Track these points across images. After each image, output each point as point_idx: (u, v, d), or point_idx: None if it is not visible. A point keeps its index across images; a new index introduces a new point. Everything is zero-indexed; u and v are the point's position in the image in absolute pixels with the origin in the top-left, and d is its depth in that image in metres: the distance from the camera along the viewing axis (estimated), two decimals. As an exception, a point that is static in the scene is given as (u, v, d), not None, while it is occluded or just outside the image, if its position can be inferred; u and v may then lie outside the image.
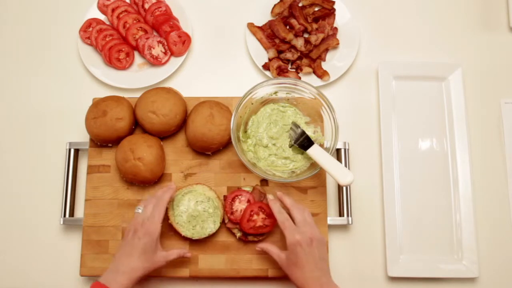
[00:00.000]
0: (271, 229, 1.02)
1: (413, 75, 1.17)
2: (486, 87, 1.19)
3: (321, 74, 1.16)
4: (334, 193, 1.12)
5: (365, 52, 1.22)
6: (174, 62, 1.18)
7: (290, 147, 1.07)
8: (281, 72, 1.17)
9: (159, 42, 1.18)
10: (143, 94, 1.09)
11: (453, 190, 1.11)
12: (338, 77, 1.17)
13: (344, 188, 1.08)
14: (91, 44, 1.19)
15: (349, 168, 1.10)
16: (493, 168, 1.15)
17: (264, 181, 1.09)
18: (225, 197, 1.04)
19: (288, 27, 1.20)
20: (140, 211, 0.97)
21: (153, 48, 1.18)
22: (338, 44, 1.19)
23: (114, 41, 1.17)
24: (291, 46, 1.18)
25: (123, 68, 1.18)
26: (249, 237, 1.03)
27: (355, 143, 1.14)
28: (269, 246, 0.98)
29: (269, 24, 1.20)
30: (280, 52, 1.19)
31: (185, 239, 1.02)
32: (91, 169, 1.09)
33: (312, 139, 1.03)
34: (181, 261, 1.04)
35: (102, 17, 1.22)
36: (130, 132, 1.09)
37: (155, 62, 1.17)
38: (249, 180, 1.09)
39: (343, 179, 0.96)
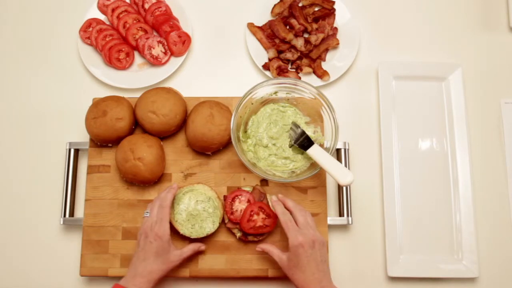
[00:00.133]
0: (271, 229, 1.02)
1: (413, 75, 1.17)
2: (486, 87, 1.19)
3: (321, 74, 1.16)
4: (334, 193, 1.12)
5: (365, 52, 1.22)
6: (174, 62, 1.18)
7: (290, 147, 1.07)
8: (281, 72, 1.17)
9: (159, 42, 1.18)
10: (143, 94, 1.09)
11: (453, 190, 1.11)
12: (338, 77, 1.17)
13: (344, 188, 1.08)
14: (91, 44, 1.19)
15: (349, 168, 1.10)
16: (493, 168, 1.15)
17: (264, 181, 1.09)
18: (225, 197, 1.04)
19: (288, 27, 1.20)
20: (148, 215, 0.99)
21: (153, 48, 1.18)
22: (338, 44, 1.19)
23: (114, 41, 1.17)
24: (291, 46, 1.18)
25: (123, 68, 1.18)
26: (249, 237, 1.03)
27: (355, 143, 1.14)
28: (270, 247, 0.98)
29: (269, 24, 1.20)
30: (280, 52, 1.19)
31: (184, 237, 1.02)
32: (91, 169, 1.09)
33: (312, 139, 1.03)
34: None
35: (102, 17, 1.22)
36: (130, 132, 1.09)
37: (155, 62, 1.18)
38: (249, 180, 1.09)
39: (343, 179, 0.96)
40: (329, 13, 1.21)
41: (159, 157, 1.06)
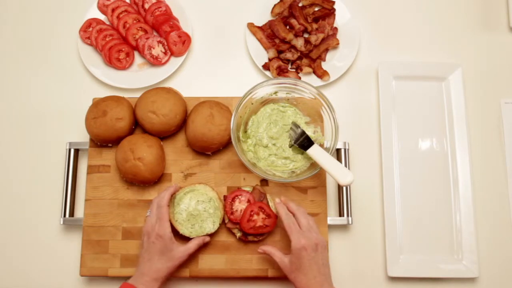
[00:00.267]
0: (271, 229, 1.02)
1: (413, 75, 1.17)
2: (486, 87, 1.19)
3: (321, 74, 1.16)
4: (334, 193, 1.12)
5: (365, 52, 1.22)
6: (174, 62, 1.18)
7: (290, 147, 1.07)
8: (281, 72, 1.17)
9: (159, 42, 1.18)
10: (143, 94, 1.09)
11: (453, 190, 1.11)
12: (338, 77, 1.17)
13: (344, 188, 1.08)
14: (91, 44, 1.19)
15: (349, 168, 1.10)
16: (493, 168, 1.15)
17: (264, 181, 1.09)
18: (225, 197, 1.04)
19: (288, 27, 1.20)
20: (149, 214, 1.00)
21: (153, 48, 1.18)
22: (338, 44, 1.19)
23: (114, 41, 1.17)
24: (291, 46, 1.18)
25: (123, 68, 1.18)
26: (249, 237, 1.03)
27: (355, 143, 1.14)
28: (272, 249, 0.97)
29: (269, 24, 1.20)
30: (280, 52, 1.19)
31: (183, 237, 1.02)
32: (91, 169, 1.09)
33: (312, 139, 1.03)
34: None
35: (102, 17, 1.22)
36: (130, 132, 1.09)
37: (155, 62, 1.17)
38: (249, 180, 1.09)
39: (343, 179, 0.96)
40: (329, 13, 1.21)
41: (159, 157, 1.06)
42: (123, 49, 1.17)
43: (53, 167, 1.14)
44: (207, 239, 1.03)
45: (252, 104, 1.07)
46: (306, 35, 1.20)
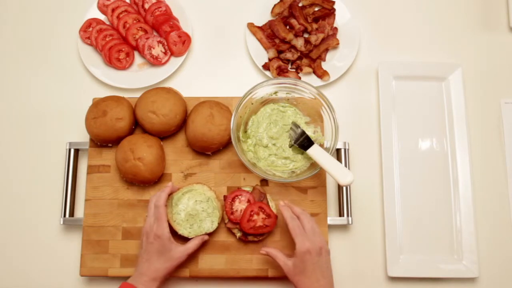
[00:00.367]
0: (271, 229, 1.02)
1: (413, 75, 1.17)
2: (486, 87, 1.19)
3: (321, 74, 1.16)
4: (334, 193, 1.12)
5: (365, 52, 1.22)
6: (174, 62, 1.18)
7: (290, 147, 1.07)
8: (281, 72, 1.17)
9: (159, 42, 1.18)
10: (143, 94, 1.09)
11: (453, 190, 1.11)
12: (338, 77, 1.17)
13: (344, 188, 1.08)
14: (91, 44, 1.19)
15: (349, 168, 1.10)
16: (493, 168, 1.15)
17: (264, 181, 1.09)
18: (225, 197, 1.04)
19: (288, 27, 1.20)
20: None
21: (153, 48, 1.18)
22: (338, 44, 1.19)
23: (114, 41, 1.17)
24: (291, 46, 1.18)
25: (123, 68, 1.18)
26: (249, 237, 1.03)
27: (355, 143, 1.14)
28: (275, 252, 0.97)
29: (269, 24, 1.20)
30: (280, 52, 1.19)
31: (182, 237, 1.02)
32: (91, 169, 1.09)
33: (312, 139, 1.03)
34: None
35: (102, 17, 1.22)
36: (130, 132, 1.09)
37: (155, 62, 1.18)
38: (249, 180, 1.09)
39: (343, 179, 0.96)
40: (329, 13, 1.21)
41: (159, 157, 1.06)
42: (123, 49, 1.17)
43: (53, 167, 1.14)
44: (206, 237, 1.02)
45: (252, 104, 1.07)
46: (306, 35, 1.20)
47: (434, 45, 1.22)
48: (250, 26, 1.20)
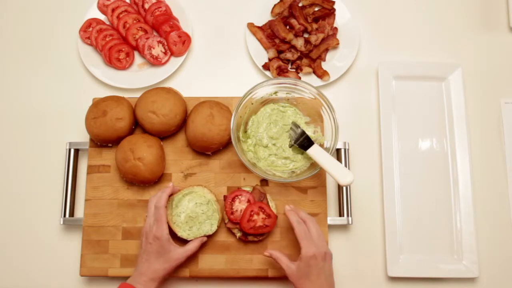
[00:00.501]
0: (271, 229, 1.02)
1: (413, 75, 1.17)
2: (486, 87, 1.19)
3: (321, 74, 1.16)
4: (334, 193, 1.12)
5: (365, 52, 1.22)
6: (174, 62, 1.18)
7: (290, 147, 1.07)
8: (281, 72, 1.17)
9: (159, 42, 1.18)
10: (143, 94, 1.09)
11: (453, 190, 1.11)
12: (338, 77, 1.17)
13: (344, 188, 1.08)
14: (91, 44, 1.19)
15: (349, 168, 1.10)
16: (493, 168, 1.15)
17: (264, 181, 1.09)
18: (225, 197, 1.04)
19: (288, 27, 1.20)
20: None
21: (153, 48, 1.18)
22: (338, 44, 1.19)
23: (114, 41, 1.17)
24: (291, 46, 1.18)
25: (123, 68, 1.18)
26: (249, 237, 1.03)
27: (355, 143, 1.14)
28: (279, 255, 0.96)
29: (269, 24, 1.20)
30: (280, 52, 1.19)
31: (181, 239, 1.02)
32: (91, 169, 1.09)
33: (312, 139, 1.03)
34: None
35: (102, 17, 1.22)
36: (130, 132, 1.09)
37: (155, 62, 1.18)
38: (249, 180, 1.09)
39: (343, 179, 0.96)
40: (329, 13, 1.21)
41: (159, 157, 1.06)
42: (123, 49, 1.17)
43: (53, 167, 1.14)
44: (205, 239, 1.02)
45: (252, 104, 1.07)
46: (306, 35, 1.20)
47: (434, 45, 1.22)
48: (250, 26, 1.20)
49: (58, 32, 1.23)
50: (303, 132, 1.03)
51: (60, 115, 1.18)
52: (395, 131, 1.14)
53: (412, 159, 1.13)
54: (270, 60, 1.18)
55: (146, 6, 1.21)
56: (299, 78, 1.17)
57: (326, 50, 1.19)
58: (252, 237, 1.03)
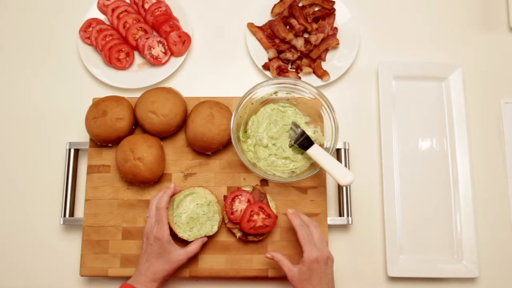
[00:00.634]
0: (271, 229, 1.02)
1: (413, 75, 1.17)
2: (486, 87, 1.19)
3: (321, 74, 1.16)
4: (334, 193, 1.12)
5: (365, 52, 1.22)
6: (174, 62, 1.18)
7: (290, 147, 1.07)
8: (281, 72, 1.17)
9: (159, 42, 1.18)
10: (143, 94, 1.09)
11: (453, 190, 1.11)
12: (338, 77, 1.17)
13: (344, 188, 1.08)
14: (91, 44, 1.19)
15: (349, 168, 1.10)
16: (493, 168, 1.15)
17: (264, 181, 1.09)
18: (225, 197, 1.04)
19: (288, 27, 1.20)
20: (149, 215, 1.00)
21: (153, 48, 1.18)
22: (338, 44, 1.19)
23: (114, 41, 1.17)
24: (291, 46, 1.18)
25: (123, 68, 1.18)
26: (249, 237, 1.03)
27: (355, 143, 1.14)
28: (281, 257, 0.96)
29: (269, 24, 1.20)
30: (280, 52, 1.19)
31: (181, 240, 1.02)
32: (91, 169, 1.09)
33: (312, 139, 1.03)
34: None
35: (102, 17, 1.22)
36: (130, 132, 1.09)
37: (155, 62, 1.18)
38: (249, 180, 1.09)
39: (343, 179, 0.96)
40: (329, 13, 1.21)
41: (159, 157, 1.06)
42: (123, 49, 1.17)
43: (53, 167, 1.14)
44: (205, 239, 1.02)
45: (252, 104, 1.07)
46: (306, 35, 1.20)
47: (434, 45, 1.22)
48: (250, 26, 1.20)
49: (58, 32, 1.23)
50: (303, 132, 1.03)
51: (60, 115, 1.18)
52: (395, 131, 1.14)
53: (412, 159, 1.13)
54: (270, 60, 1.18)
55: (146, 6, 1.21)
56: (299, 78, 1.17)
57: (326, 50, 1.19)
58: (252, 237, 1.03)
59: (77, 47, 1.20)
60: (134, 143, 1.05)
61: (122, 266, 1.05)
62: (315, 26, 1.19)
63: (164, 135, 1.09)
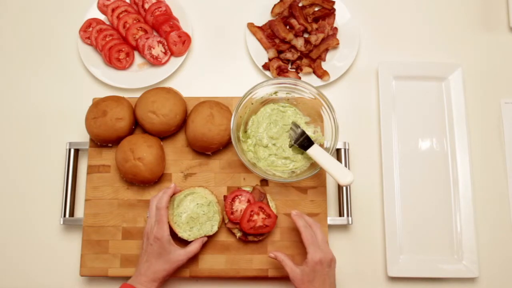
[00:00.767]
0: (271, 229, 1.02)
1: (413, 75, 1.17)
2: (486, 87, 1.19)
3: (321, 74, 1.16)
4: (334, 193, 1.12)
5: (365, 52, 1.22)
6: (174, 62, 1.18)
7: (290, 147, 1.07)
8: (281, 72, 1.17)
9: (159, 42, 1.18)
10: (143, 94, 1.09)
11: (453, 190, 1.11)
12: (338, 77, 1.17)
13: (344, 188, 1.08)
14: (91, 44, 1.19)
15: (349, 168, 1.10)
16: (493, 168, 1.15)
17: (264, 181, 1.09)
18: (225, 197, 1.04)
19: (288, 27, 1.20)
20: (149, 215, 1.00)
21: (153, 48, 1.18)
22: (338, 44, 1.19)
23: (114, 41, 1.17)
24: (291, 46, 1.18)
25: (123, 68, 1.18)
26: (249, 237, 1.03)
27: (355, 143, 1.14)
28: (284, 258, 0.96)
29: (269, 24, 1.20)
30: (280, 52, 1.19)
31: (181, 240, 1.02)
32: (91, 169, 1.09)
33: (312, 139, 1.03)
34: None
35: (102, 17, 1.22)
36: (130, 132, 1.09)
37: (155, 62, 1.18)
38: (249, 180, 1.09)
39: (343, 179, 0.96)
40: (329, 13, 1.21)
41: (159, 157, 1.06)
42: (123, 49, 1.17)
43: (53, 167, 1.14)
44: (205, 239, 1.02)
45: (252, 104, 1.07)
46: (306, 35, 1.20)
47: (434, 45, 1.22)
48: (250, 26, 1.20)
49: (58, 32, 1.23)
50: (303, 132, 1.03)
51: (60, 115, 1.18)
52: (395, 131, 1.14)
53: (412, 159, 1.13)
54: (270, 60, 1.18)
55: (146, 6, 1.21)
56: (299, 78, 1.17)
57: (326, 50, 1.19)
58: (252, 237, 1.03)
59: (77, 47, 1.20)
60: (134, 143, 1.05)
61: (122, 266, 1.05)
62: (315, 26, 1.19)
63: (164, 135, 1.09)
